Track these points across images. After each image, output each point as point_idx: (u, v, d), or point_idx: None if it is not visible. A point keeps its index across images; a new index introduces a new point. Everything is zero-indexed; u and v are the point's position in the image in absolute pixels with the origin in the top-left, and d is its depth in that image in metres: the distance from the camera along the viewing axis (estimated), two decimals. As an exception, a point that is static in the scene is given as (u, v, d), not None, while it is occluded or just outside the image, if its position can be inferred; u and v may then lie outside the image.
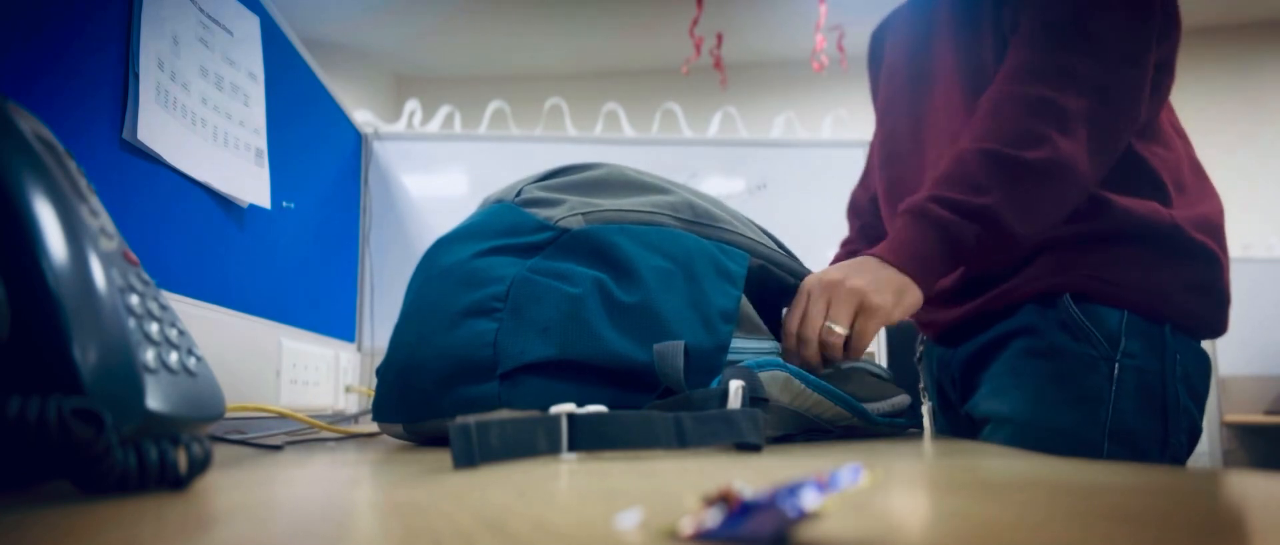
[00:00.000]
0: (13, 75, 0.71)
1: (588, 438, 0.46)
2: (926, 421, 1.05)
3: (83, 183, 0.37)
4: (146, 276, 0.38)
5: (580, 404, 0.47)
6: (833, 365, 0.76)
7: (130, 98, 0.86)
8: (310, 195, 1.42)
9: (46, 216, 0.33)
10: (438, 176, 1.98)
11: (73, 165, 0.37)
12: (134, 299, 0.35)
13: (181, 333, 0.38)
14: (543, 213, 0.72)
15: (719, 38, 4.66)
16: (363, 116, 1.90)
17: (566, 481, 0.35)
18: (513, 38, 5.71)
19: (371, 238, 1.84)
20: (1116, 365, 0.82)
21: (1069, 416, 0.83)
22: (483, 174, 1.98)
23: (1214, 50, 5.31)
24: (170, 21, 0.94)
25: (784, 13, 5.34)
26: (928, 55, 0.99)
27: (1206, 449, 3.26)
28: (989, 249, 0.79)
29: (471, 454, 0.41)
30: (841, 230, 1.20)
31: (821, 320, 0.74)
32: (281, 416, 0.92)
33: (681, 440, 0.48)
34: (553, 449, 0.45)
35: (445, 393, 0.64)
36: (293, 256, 1.33)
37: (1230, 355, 3.34)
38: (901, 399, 0.78)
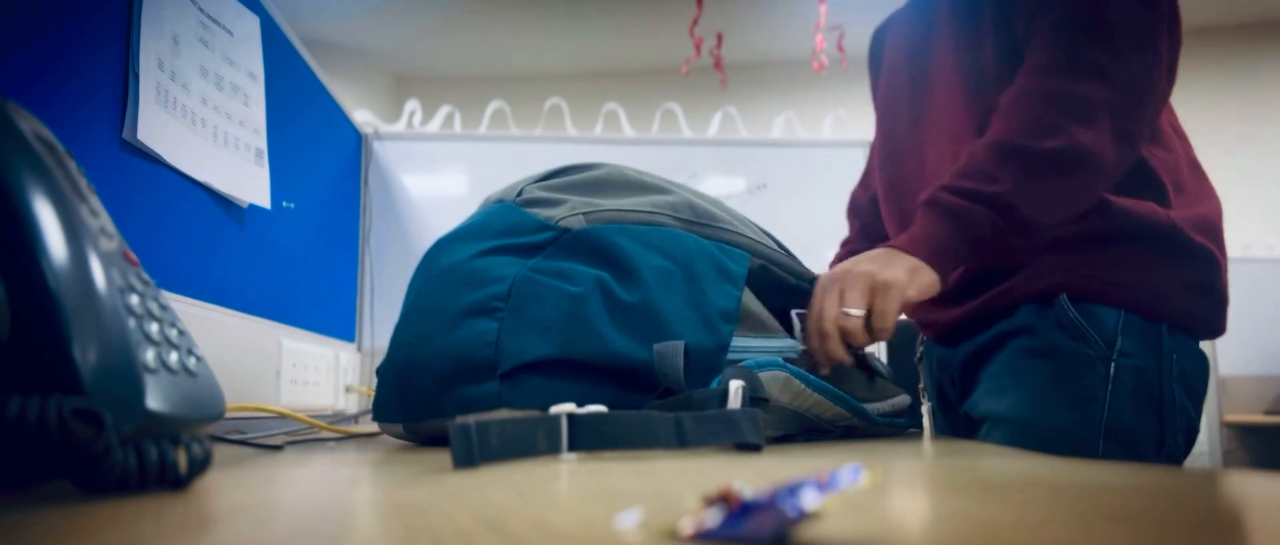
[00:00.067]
0: (13, 75, 0.71)
1: (588, 438, 0.46)
2: (926, 421, 1.05)
3: (83, 183, 0.37)
4: (146, 276, 0.38)
5: (580, 403, 0.47)
6: (855, 353, 0.75)
7: (130, 98, 0.86)
8: (310, 195, 1.42)
9: (46, 216, 0.33)
10: (438, 176, 1.98)
11: (73, 165, 0.37)
12: (134, 299, 0.35)
13: (181, 333, 0.38)
14: (543, 213, 0.72)
15: (719, 38, 4.66)
16: (363, 116, 1.90)
17: (566, 481, 0.35)
18: (513, 38, 5.71)
19: (371, 238, 1.84)
20: (1112, 365, 0.82)
21: (1066, 416, 0.83)
22: (483, 174, 1.98)
23: (1214, 50, 5.31)
24: (170, 21, 0.94)
25: (784, 13, 5.35)
26: (928, 55, 0.99)
27: (1207, 449, 3.26)
28: (1006, 237, 0.79)
29: (471, 454, 0.41)
30: (841, 230, 1.20)
31: (836, 309, 0.74)
32: (281, 416, 0.92)
33: (681, 440, 0.48)
34: (553, 449, 0.45)
35: (445, 392, 0.64)
36: (293, 256, 1.33)
37: (1230, 355, 3.34)
38: (901, 399, 0.78)
